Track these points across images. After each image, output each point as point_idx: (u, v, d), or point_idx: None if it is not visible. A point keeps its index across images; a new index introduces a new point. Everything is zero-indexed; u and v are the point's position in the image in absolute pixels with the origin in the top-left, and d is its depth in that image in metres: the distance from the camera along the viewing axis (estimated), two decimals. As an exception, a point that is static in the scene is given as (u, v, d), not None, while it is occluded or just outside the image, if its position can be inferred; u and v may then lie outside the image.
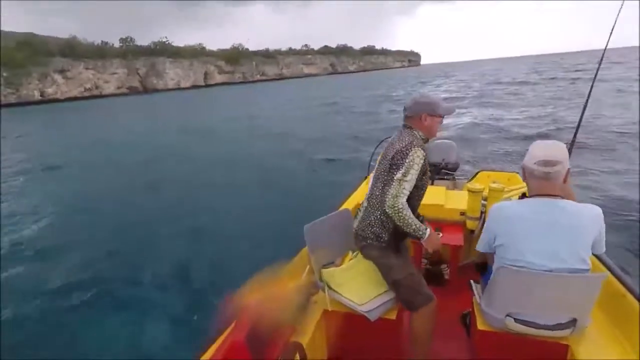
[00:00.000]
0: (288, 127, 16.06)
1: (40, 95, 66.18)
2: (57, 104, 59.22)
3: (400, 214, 1.67)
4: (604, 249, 1.56)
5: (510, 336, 1.65)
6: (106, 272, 4.54)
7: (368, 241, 1.85)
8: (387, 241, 1.83)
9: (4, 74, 60.82)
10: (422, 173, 1.74)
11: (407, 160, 1.66)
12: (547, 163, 1.49)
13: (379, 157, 1.93)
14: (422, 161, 1.69)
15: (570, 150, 2.19)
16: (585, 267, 1.49)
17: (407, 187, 1.67)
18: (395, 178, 1.68)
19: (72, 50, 75.54)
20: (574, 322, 1.54)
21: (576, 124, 2.72)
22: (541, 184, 1.52)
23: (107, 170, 10.74)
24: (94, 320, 3.56)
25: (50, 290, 4.22)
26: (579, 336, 1.62)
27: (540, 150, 1.53)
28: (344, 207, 2.84)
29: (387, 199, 1.68)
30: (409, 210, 1.69)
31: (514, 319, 1.59)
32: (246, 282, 1.54)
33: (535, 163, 1.51)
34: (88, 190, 8.72)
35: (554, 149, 1.52)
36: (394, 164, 1.71)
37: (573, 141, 2.60)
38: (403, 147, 1.70)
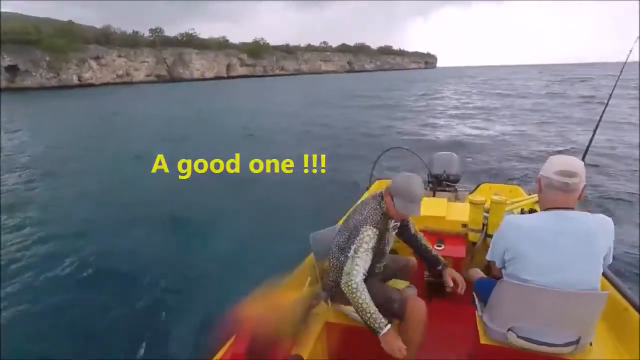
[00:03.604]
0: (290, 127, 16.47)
1: (78, 80, 70.89)
2: (94, 89, 63.44)
3: (353, 295, 1.61)
4: (610, 260, 1.56)
5: (513, 350, 1.63)
6: (97, 280, 4.37)
7: (328, 290, 1.94)
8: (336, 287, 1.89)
9: (47, 58, 65.55)
10: (377, 248, 1.81)
11: (358, 238, 1.73)
12: (566, 173, 1.47)
13: (351, 209, 2.00)
14: (372, 240, 1.74)
15: None
16: (596, 281, 1.50)
17: (360, 263, 1.67)
18: (349, 255, 1.72)
19: (107, 38, 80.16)
20: (577, 340, 1.53)
21: (587, 142, 2.59)
22: (558, 196, 1.50)
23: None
24: (86, 328, 3.47)
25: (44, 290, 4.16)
26: (583, 352, 1.60)
27: (560, 161, 1.53)
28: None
29: (343, 275, 1.69)
30: (365, 293, 1.61)
31: (516, 334, 1.59)
32: (248, 294, 1.58)
33: (554, 172, 1.49)
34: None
35: (574, 162, 1.52)
36: (352, 235, 1.79)
37: (584, 156, 2.45)
38: (359, 222, 1.80)
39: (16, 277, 4.44)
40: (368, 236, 1.74)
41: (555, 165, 1.53)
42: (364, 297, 1.62)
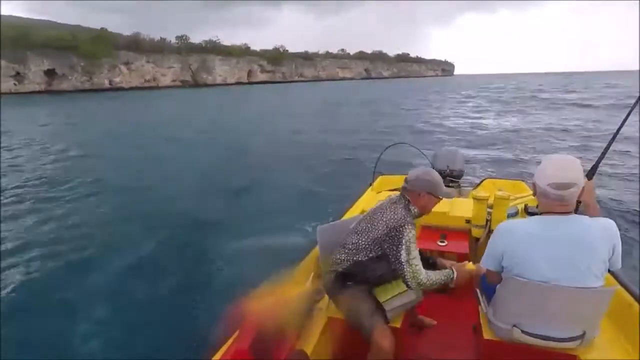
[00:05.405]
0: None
1: (109, 84, 75.41)
2: (124, 92, 67.31)
3: (431, 286, 1.73)
4: (619, 265, 1.51)
5: (518, 346, 1.63)
6: (104, 271, 4.43)
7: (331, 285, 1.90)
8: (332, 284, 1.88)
9: (81, 63, 70.20)
10: None
11: (404, 240, 1.70)
12: (560, 186, 1.42)
13: (364, 217, 1.89)
14: (414, 238, 1.74)
15: (594, 170, 1.94)
16: (599, 283, 1.47)
17: (418, 262, 1.71)
18: (400, 260, 1.70)
19: (136, 45, 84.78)
20: (582, 334, 1.54)
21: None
22: (554, 206, 1.47)
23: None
24: (94, 322, 3.53)
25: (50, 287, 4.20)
26: (587, 346, 1.60)
27: (553, 169, 1.46)
28: (349, 213, 2.96)
29: (408, 281, 1.72)
30: (432, 274, 1.74)
31: (521, 330, 1.59)
32: (252, 289, 1.57)
33: (548, 185, 1.44)
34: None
35: (568, 169, 1.44)
36: (389, 241, 1.72)
37: (598, 162, 2.08)
38: (397, 224, 1.73)
39: (24, 264, 4.67)
40: (414, 236, 1.75)
41: (549, 177, 1.46)
42: (434, 278, 1.76)
